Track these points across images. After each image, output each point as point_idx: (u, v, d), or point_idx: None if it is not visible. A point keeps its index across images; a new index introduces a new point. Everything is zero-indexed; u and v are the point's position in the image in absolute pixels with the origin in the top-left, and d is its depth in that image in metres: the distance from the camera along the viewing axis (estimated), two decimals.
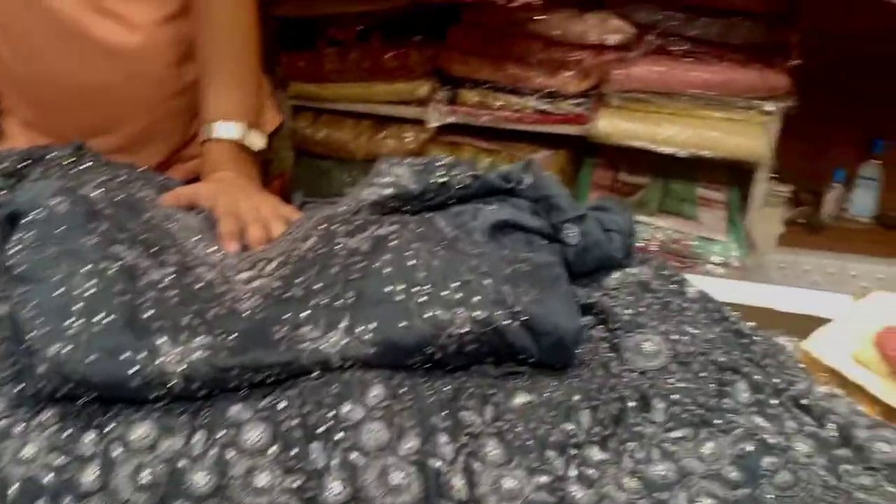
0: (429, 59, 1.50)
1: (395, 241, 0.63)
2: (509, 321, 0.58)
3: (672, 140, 1.43)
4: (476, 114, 1.49)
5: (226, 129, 0.90)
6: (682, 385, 0.59)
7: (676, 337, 0.63)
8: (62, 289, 0.57)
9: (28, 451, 0.52)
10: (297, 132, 1.57)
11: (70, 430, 0.53)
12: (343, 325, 0.56)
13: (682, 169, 1.54)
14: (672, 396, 0.58)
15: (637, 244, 0.77)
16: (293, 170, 1.67)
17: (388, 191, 0.76)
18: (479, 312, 0.58)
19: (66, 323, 0.55)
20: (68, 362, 0.53)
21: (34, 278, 0.58)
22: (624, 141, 1.45)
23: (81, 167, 0.86)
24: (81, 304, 0.56)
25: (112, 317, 0.56)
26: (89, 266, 0.59)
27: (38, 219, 0.63)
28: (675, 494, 0.51)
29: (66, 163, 0.85)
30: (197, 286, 0.63)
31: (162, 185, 0.88)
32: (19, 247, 0.60)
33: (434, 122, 1.50)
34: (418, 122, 1.53)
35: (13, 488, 0.50)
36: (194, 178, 0.98)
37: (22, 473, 0.51)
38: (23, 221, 0.63)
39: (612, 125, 1.45)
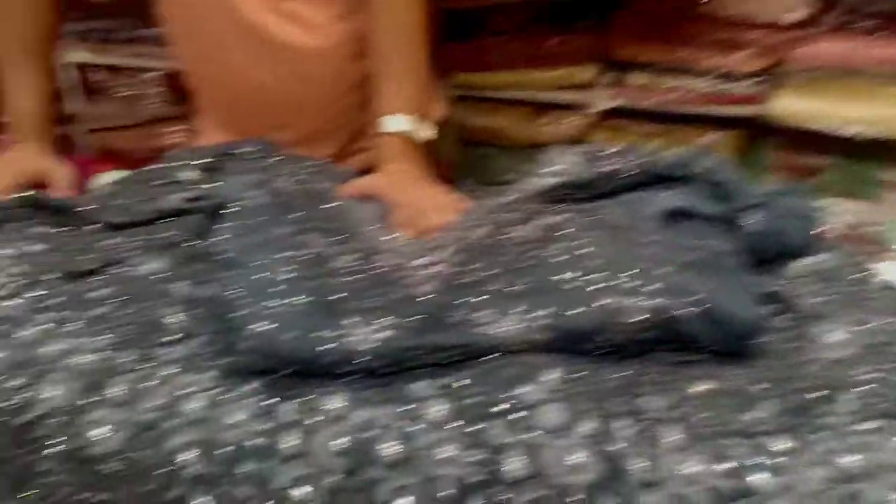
0: (593, 43, 1.49)
1: (567, 230, 0.64)
2: (686, 310, 0.58)
3: (856, 120, 1.34)
4: (642, 97, 1.46)
5: (398, 123, 0.94)
6: (873, 376, 0.56)
7: (864, 327, 0.60)
8: (263, 273, 0.63)
9: (237, 417, 0.58)
10: (460, 121, 1.61)
11: (271, 400, 0.59)
12: (518, 310, 0.58)
13: (864, 150, 1.44)
14: (862, 388, 0.55)
15: (819, 230, 0.73)
16: (456, 158, 1.71)
17: (557, 179, 0.77)
18: (655, 301, 0.58)
19: (268, 303, 0.60)
20: (271, 339, 0.58)
21: (237, 263, 0.64)
22: (804, 122, 1.37)
23: (270, 161, 0.93)
24: (280, 287, 0.61)
25: (307, 299, 0.61)
26: (286, 253, 0.64)
27: (238, 210, 0.69)
28: (867, 486, 0.49)
29: (256, 157, 0.93)
30: (378, 271, 0.67)
31: (340, 177, 0.94)
32: (224, 236, 0.67)
33: (599, 107, 1.49)
34: (580, 108, 1.52)
35: (224, 450, 0.56)
36: (367, 170, 1.04)
37: (232, 437, 0.57)
38: (225, 212, 0.70)
39: (791, 106, 1.38)
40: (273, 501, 0.54)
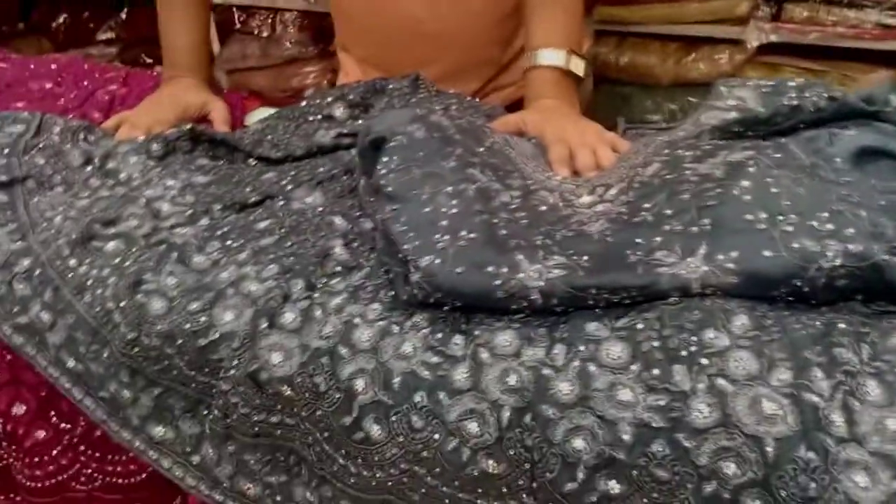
0: None
1: (753, 168, 0.60)
2: (889, 256, 0.53)
3: None
4: (804, 31, 1.35)
5: (550, 57, 0.90)
6: None
7: None
8: (428, 207, 0.62)
9: (407, 348, 0.58)
10: (599, 57, 1.55)
11: (440, 333, 0.59)
12: (701, 251, 0.55)
13: None
14: None
15: None
16: (591, 96, 1.66)
17: (732, 115, 0.72)
18: (853, 245, 0.53)
19: (435, 237, 0.60)
20: (439, 273, 0.58)
21: (402, 197, 0.64)
22: None
23: (419, 97, 0.92)
24: (446, 221, 0.61)
25: (473, 234, 0.60)
26: (450, 187, 0.63)
27: (400, 144, 0.68)
28: None
29: (405, 93, 0.92)
30: (542, 209, 0.65)
31: (490, 113, 0.92)
32: (387, 169, 0.67)
33: (754, 42, 1.39)
34: (733, 43, 1.43)
35: (396, 379, 0.57)
36: (510, 105, 1.01)
37: (403, 367, 0.57)
38: (387, 146, 0.69)
39: None
40: (446, 432, 0.55)
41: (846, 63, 1.38)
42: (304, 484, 0.66)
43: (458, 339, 0.58)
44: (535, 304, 0.56)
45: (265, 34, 1.85)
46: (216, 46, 1.92)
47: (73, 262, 0.70)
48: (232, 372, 0.63)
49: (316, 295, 0.65)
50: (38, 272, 0.70)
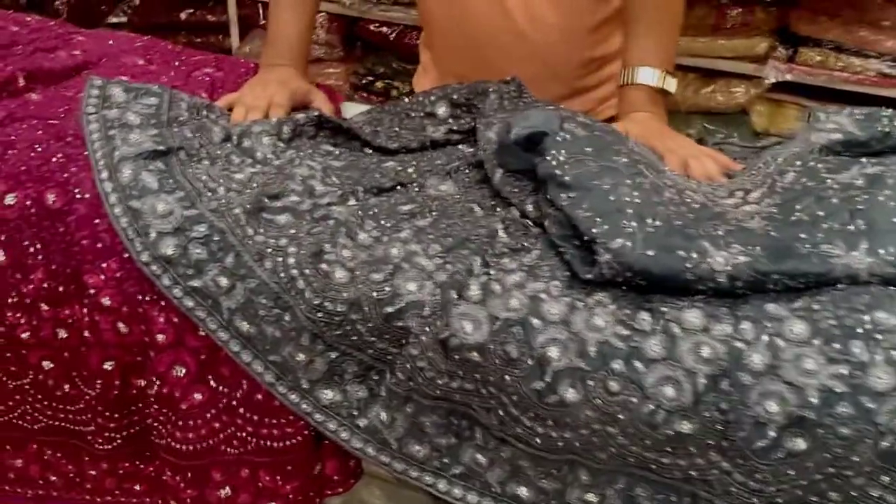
0: (774, 16, 1.53)
1: (891, 179, 0.70)
2: None
3: None
4: (814, 73, 1.50)
5: (647, 76, 0.98)
6: None
7: None
8: (613, 196, 0.69)
9: (597, 321, 0.65)
10: None
11: (627, 310, 0.66)
12: (863, 246, 0.64)
13: None
14: None
15: None
16: None
17: (836, 136, 0.82)
18: None
19: (623, 223, 0.67)
20: (630, 255, 0.65)
21: (582, 186, 0.71)
22: None
23: (524, 101, 0.99)
24: (631, 209, 0.68)
25: (657, 222, 0.67)
26: (628, 180, 0.71)
27: (565, 140, 0.75)
28: None
29: (513, 97, 0.99)
30: (695, 205, 0.73)
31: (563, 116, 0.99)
32: (557, 161, 0.73)
33: (771, 79, 1.53)
34: (748, 78, 1.57)
35: (592, 348, 0.64)
36: (590, 109, 1.09)
37: (597, 338, 0.64)
38: (549, 141, 0.76)
39: None
40: (643, 396, 0.62)
41: (847, 106, 1.54)
42: (475, 447, 0.71)
43: (644, 315, 0.65)
44: (721, 287, 0.64)
45: None
46: (236, 41, 1.94)
47: (250, 230, 0.74)
48: (422, 338, 0.68)
49: (492, 272, 0.71)
50: (216, 238, 0.73)
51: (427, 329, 0.68)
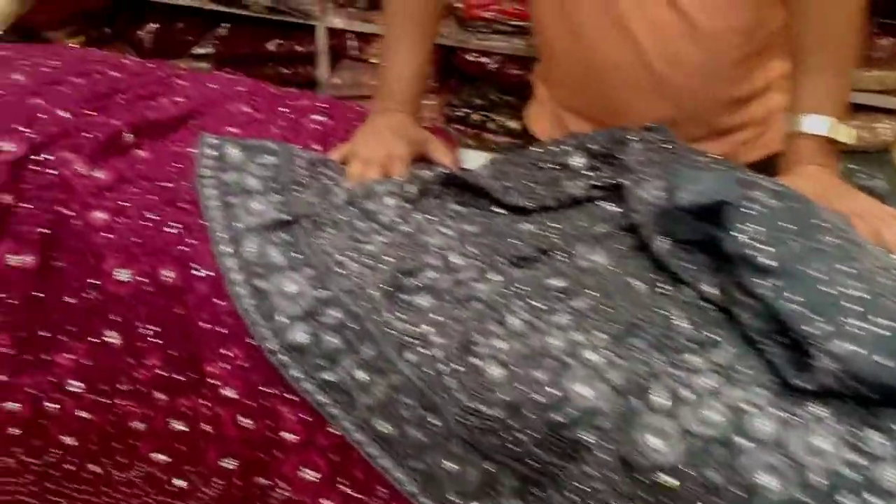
0: None
1: None
2: None
3: None
4: None
5: (816, 125, 0.86)
6: None
7: None
8: (827, 287, 0.58)
9: (819, 442, 0.54)
10: None
11: (852, 428, 0.54)
12: None
13: None
14: None
15: None
16: None
17: None
18: None
19: (845, 320, 0.56)
20: (860, 362, 0.54)
21: (786, 272, 0.59)
22: None
23: (673, 151, 0.88)
24: (852, 304, 0.56)
25: (888, 321, 0.56)
26: (842, 266, 0.59)
27: (759, 213, 0.64)
28: None
29: (661, 148, 0.88)
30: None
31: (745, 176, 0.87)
32: (750, 238, 0.62)
33: None
34: (891, 113, 1.42)
35: (815, 477, 0.52)
36: (730, 152, 0.98)
37: (820, 464, 0.53)
38: (736, 213, 0.65)
39: None
40: None
41: None
42: None
43: (873, 434, 0.54)
44: None
45: (378, 62, 1.80)
46: (324, 72, 1.88)
47: (388, 315, 0.65)
48: (599, 454, 0.57)
49: (677, 372, 0.60)
50: (352, 324, 0.65)
51: (605, 444, 0.57)
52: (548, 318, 0.66)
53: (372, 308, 0.65)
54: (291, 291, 0.67)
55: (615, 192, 0.84)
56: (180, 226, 0.73)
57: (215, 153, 0.80)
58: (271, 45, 1.91)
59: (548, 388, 0.60)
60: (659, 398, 0.58)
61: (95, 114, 0.87)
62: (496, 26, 1.67)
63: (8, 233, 0.74)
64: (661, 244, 0.71)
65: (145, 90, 0.99)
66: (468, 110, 1.79)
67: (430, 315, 0.66)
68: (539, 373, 0.61)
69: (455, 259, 0.72)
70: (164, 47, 2.01)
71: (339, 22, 1.80)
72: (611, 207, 0.84)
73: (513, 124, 1.75)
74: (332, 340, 0.65)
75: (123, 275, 0.70)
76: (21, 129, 0.79)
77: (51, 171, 0.77)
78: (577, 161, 0.88)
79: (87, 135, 0.81)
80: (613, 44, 0.97)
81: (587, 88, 1.03)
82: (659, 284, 0.71)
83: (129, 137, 0.84)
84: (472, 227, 0.79)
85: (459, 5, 1.70)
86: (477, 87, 1.79)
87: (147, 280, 0.70)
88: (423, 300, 0.67)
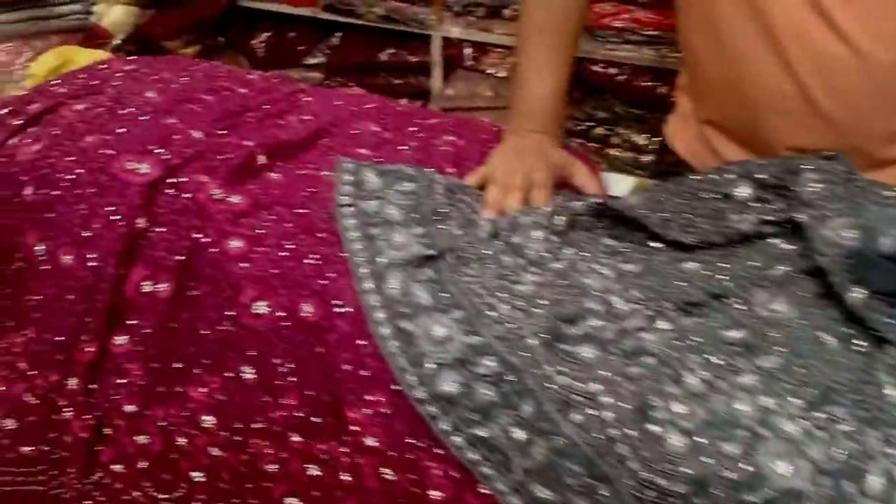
0: None
1: None
2: None
3: None
4: None
5: None
6: None
7: None
8: None
9: None
10: None
11: None
12: None
13: None
14: None
15: None
16: None
17: None
18: None
19: None
20: None
21: None
22: None
23: (856, 184, 0.78)
24: None
25: None
26: None
27: None
28: None
29: (840, 179, 0.78)
30: None
31: None
32: None
33: None
34: None
35: None
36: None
37: None
38: None
39: None
40: None
41: None
42: None
43: None
44: None
45: (501, 74, 1.75)
46: (438, 83, 1.83)
47: (549, 368, 0.58)
48: None
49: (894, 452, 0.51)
50: (509, 377, 0.58)
51: None
52: (731, 379, 0.58)
53: (531, 359, 0.59)
54: (439, 335, 0.61)
55: (789, 230, 0.75)
56: (319, 257, 0.68)
57: (352, 178, 0.75)
58: (384, 55, 1.88)
59: (740, 464, 0.52)
60: (875, 484, 0.49)
61: (227, 134, 0.84)
62: (627, 35, 1.58)
63: (142, 258, 0.72)
64: (856, 294, 0.62)
65: (274, 108, 0.95)
66: (591, 124, 1.71)
67: (597, 370, 0.59)
68: (729, 445, 0.53)
69: (618, 304, 0.65)
70: (277, 56, 2.01)
71: (455, 31, 1.75)
72: (785, 246, 0.75)
73: (639, 139, 1.66)
74: (486, 393, 0.59)
75: (261, 307, 0.66)
76: (156, 150, 0.77)
77: (185, 195, 0.74)
78: (743, 192, 0.79)
79: (221, 157, 0.78)
80: (766, 67, 0.87)
81: (735, 108, 0.94)
82: (854, 341, 0.62)
83: (261, 159, 0.81)
84: (631, 266, 0.72)
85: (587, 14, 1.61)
86: (601, 99, 1.70)
87: (285, 314, 0.66)
88: (587, 352, 0.60)
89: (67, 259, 0.72)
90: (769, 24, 0.84)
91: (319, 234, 0.71)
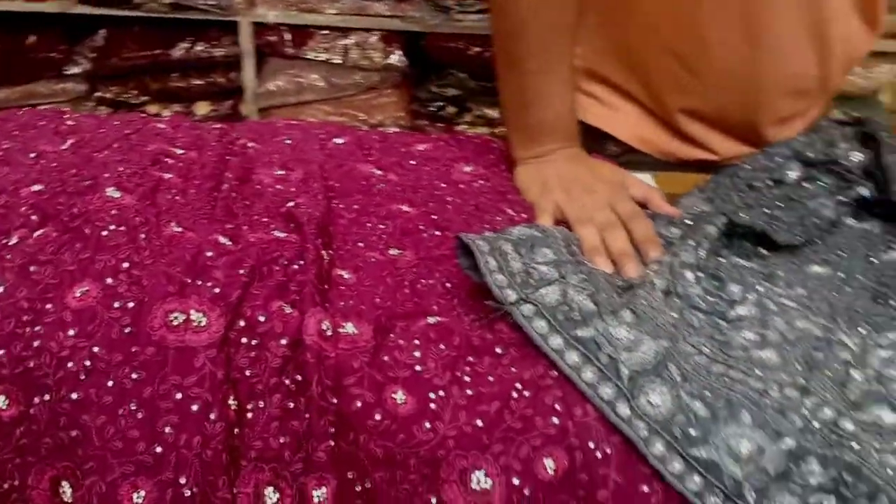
0: None
1: None
2: None
3: None
4: None
5: None
6: None
7: None
8: None
9: None
10: None
11: None
12: None
13: None
14: None
15: None
16: None
17: None
18: None
19: None
20: None
21: None
22: None
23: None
24: None
25: None
26: None
27: None
28: None
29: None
30: None
31: None
32: None
33: None
34: (889, 55, 1.45)
35: None
36: None
37: None
38: None
39: None
40: None
41: None
42: None
43: None
44: None
45: (335, 59, 1.50)
46: (250, 77, 1.53)
47: (876, 454, 0.50)
48: None
49: None
50: (848, 477, 0.49)
51: None
52: None
53: (860, 450, 0.50)
54: (745, 452, 0.49)
55: (854, 207, 0.74)
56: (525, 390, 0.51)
57: (496, 263, 0.57)
58: (177, 51, 1.53)
59: None
60: None
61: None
62: (471, 4, 1.46)
63: None
64: None
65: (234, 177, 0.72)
66: (441, 103, 1.57)
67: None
68: None
69: (849, 342, 0.58)
70: (17, 71, 1.53)
71: (272, 16, 1.48)
72: (865, 226, 0.74)
73: (493, 112, 1.57)
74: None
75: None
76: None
77: None
78: (794, 173, 0.77)
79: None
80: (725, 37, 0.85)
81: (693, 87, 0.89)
82: None
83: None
84: (800, 290, 0.65)
85: None
86: (447, 75, 1.56)
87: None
88: (887, 415, 0.53)
89: None
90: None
91: (497, 351, 0.53)
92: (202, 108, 1.53)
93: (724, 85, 0.87)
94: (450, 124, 1.58)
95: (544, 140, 0.80)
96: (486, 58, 1.52)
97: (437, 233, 0.66)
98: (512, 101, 0.81)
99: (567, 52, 0.80)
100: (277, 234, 0.61)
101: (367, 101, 1.54)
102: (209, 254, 0.55)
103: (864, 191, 0.74)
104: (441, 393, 0.50)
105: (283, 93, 1.53)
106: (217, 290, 0.52)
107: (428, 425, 0.48)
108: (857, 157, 0.76)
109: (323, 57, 1.50)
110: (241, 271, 0.54)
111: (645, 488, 0.48)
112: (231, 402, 0.48)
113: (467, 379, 0.51)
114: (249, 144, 0.79)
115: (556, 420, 0.49)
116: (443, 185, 0.75)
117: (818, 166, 0.77)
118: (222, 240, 0.57)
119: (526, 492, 0.47)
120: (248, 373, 0.49)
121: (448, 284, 0.60)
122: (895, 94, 1.52)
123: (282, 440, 0.48)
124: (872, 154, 0.77)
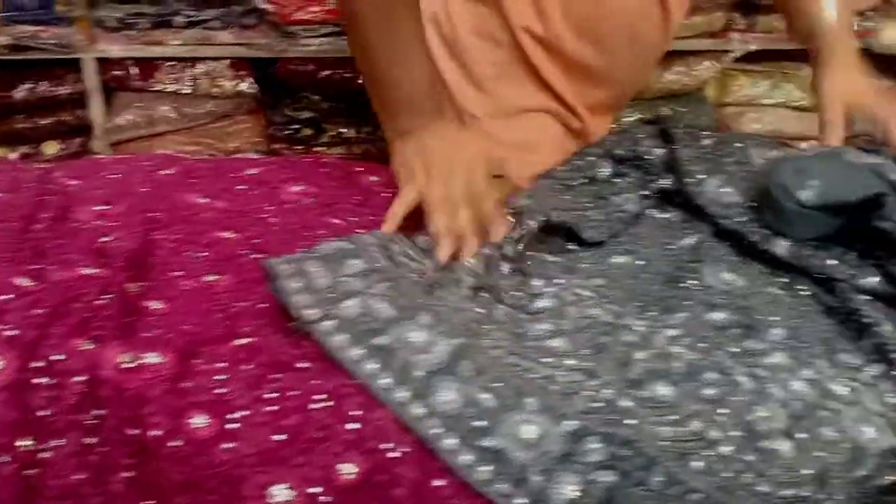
0: None
1: None
2: None
3: None
4: (772, 39, 1.52)
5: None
6: None
7: None
8: None
9: None
10: None
11: None
12: None
13: None
14: None
15: None
16: None
17: None
18: None
19: None
20: None
21: None
22: None
23: (704, 139, 0.85)
24: None
25: None
26: None
27: None
28: None
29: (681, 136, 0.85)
30: None
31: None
32: None
33: (737, 52, 1.53)
34: (709, 53, 1.55)
35: None
36: None
37: None
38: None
39: None
40: None
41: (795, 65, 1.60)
42: None
43: None
44: None
45: (185, 90, 1.49)
46: (98, 113, 1.50)
47: (649, 426, 0.55)
48: None
49: None
50: (624, 452, 0.53)
51: None
52: (763, 362, 0.61)
53: (635, 424, 0.54)
54: (532, 436, 0.53)
55: (659, 199, 0.81)
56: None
57: (301, 284, 0.59)
58: (19, 92, 1.49)
59: (841, 445, 0.56)
60: None
61: None
62: (319, 28, 1.48)
63: None
64: (786, 246, 0.70)
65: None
66: (297, 126, 1.59)
67: (684, 405, 0.57)
68: (825, 430, 0.56)
69: (637, 326, 0.64)
70: None
71: (115, 50, 1.46)
72: (663, 215, 0.80)
73: (348, 132, 1.60)
74: (606, 480, 0.53)
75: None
76: None
77: None
78: (605, 170, 0.83)
79: None
80: None
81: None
82: (797, 288, 0.69)
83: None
84: (599, 280, 0.70)
85: (270, 8, 1.47)
86: (301, 98, 1.58)
87: None
88: (663, 390, 0.58)
89: None
90: None
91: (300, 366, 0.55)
92: (51, 147, 1.49)
93: None
94: (308, 146, 1.60)
95: (403, 118, 0.79)
96: (338, 80, 1.56)
97: (257, 256, 0.68)
98: (371, 88, 0.82)
99: (412, 32, 0.79)
100: (85, 270, 0.61)
101: (221, 129, 1.54)
102: (4, 297, 0.55)
103: (666, 183, 0.81)
104: (244, 412, 0.52)
105: (134, 126, 1.52)
106: (12, 333, 0.52)
107: (227, 446, 0.50)
108: (658, 152, 0.83)
109: (171, 88, 1.49)
110: (40, 311, 0.54)
111: (438, 482, 0.51)
112: (23, 442, 0.48)
113: (272, 395, 0.53)
114: (71, 182, 0.78)
115: (355, 426, 0.52)
116: (270, 207, 0.76)
117: (626, 162, 0.83)
118: (22, 281, 0.57)
119: (325, 499, 0.49)
120: (45, 413, 0.50)
121: (263, 305, 0.62)
122: (720, 89, 1.65)
123: (80, 476, 0.48)
124: (670, 149, 0.84)
